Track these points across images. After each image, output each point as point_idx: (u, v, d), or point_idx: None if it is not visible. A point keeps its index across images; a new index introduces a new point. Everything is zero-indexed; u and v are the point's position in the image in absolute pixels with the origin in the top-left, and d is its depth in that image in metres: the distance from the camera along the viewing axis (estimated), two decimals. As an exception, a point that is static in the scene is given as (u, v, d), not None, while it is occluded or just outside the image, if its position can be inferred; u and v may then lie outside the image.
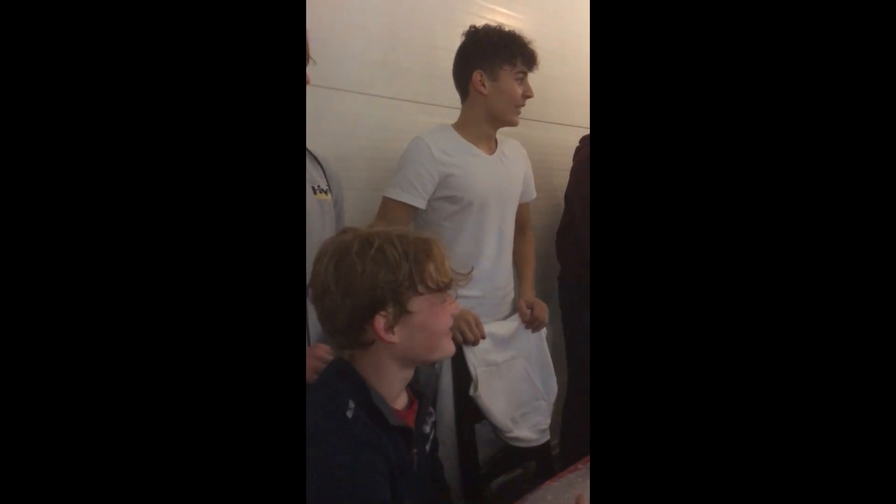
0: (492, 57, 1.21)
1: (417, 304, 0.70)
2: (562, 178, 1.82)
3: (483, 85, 1.22)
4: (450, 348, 0.77)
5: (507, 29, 1.25)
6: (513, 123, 1.27)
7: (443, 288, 0.72)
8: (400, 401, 0.76)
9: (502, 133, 1.33)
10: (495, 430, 1.23)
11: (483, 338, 1.18)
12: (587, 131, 1.70)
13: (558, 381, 1.39)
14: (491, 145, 1.31)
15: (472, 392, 1.18)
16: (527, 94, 1.25)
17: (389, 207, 1.19)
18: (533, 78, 1.30)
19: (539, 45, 1.27)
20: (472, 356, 1.19)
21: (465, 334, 1.15)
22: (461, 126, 1.27)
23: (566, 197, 1.67)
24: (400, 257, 0.68)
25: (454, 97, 1.30)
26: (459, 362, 1.19)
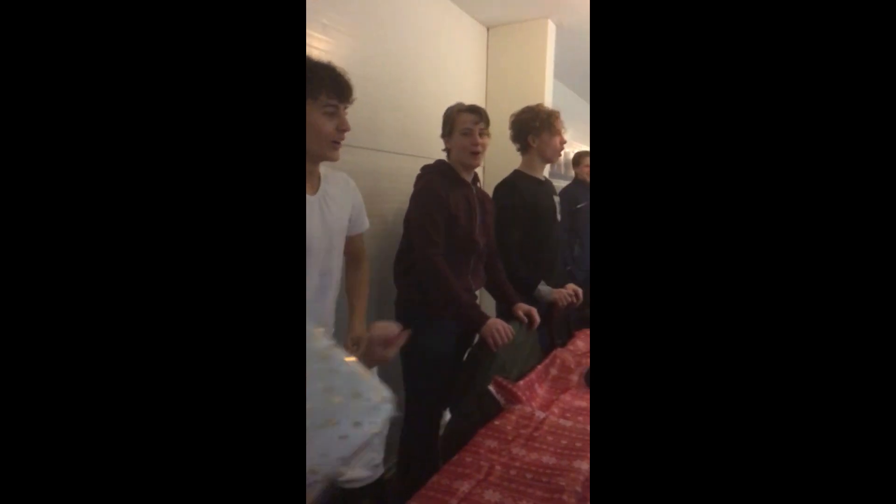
0: None
1: None
2: (393, 203, 1.83)
3: None
4: None
5: (313, 60, 1.15)
6: (331, 159, 1.19)
7: None
8: None
9: (329, 164, 1.28)
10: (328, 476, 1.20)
11: None
12: (416, 159, 1.73)
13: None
14: (313, 182, 1.24)
15: (301, 441, 1.13)
16: (342, 129, 1.16)
17: None
18: (362, 107, 1.23)
19: (365, 75, 1.21)
20: (301, 403, 1.14)
21: None
22: None
23: (406, 222, 1.65)
24: None
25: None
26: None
